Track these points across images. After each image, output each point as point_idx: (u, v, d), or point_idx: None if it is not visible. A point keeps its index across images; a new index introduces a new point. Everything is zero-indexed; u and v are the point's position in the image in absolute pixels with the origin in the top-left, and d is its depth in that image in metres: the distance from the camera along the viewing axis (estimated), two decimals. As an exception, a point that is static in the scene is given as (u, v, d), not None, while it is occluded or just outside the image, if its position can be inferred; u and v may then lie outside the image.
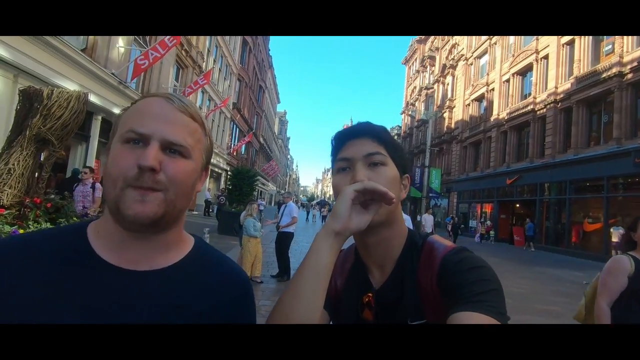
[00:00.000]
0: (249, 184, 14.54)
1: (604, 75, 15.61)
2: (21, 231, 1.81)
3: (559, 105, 18.85)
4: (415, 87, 43.78)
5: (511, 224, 23.14)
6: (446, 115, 33.10)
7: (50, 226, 2.05)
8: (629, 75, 14.74)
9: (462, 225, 24.84)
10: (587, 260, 14.60)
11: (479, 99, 27.85)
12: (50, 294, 0.55)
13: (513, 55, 23.42)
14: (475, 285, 0.66)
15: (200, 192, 9.40)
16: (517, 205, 23.15)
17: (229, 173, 19.09)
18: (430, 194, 28.66)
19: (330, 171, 0.85)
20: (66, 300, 0.55)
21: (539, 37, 19.98)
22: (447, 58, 34.48)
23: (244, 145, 29.98)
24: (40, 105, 2.06)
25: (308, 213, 34.12)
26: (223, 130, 25.52)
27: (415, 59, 44.74)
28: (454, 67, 32.63)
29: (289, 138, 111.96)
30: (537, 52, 20.99)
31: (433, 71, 38.20)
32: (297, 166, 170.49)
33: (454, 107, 31.98)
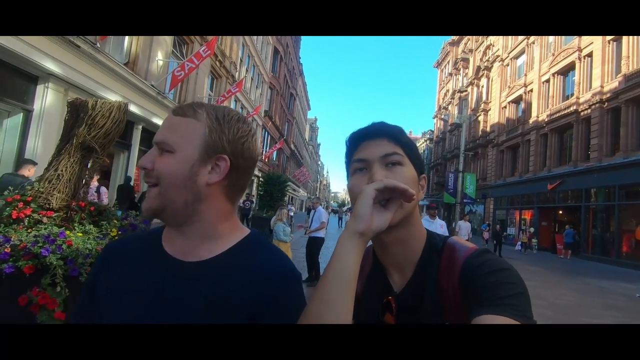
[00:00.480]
0: (279, 189, 14.80)
1: (657, 71, 14.52)
2: (67, 232, 1.95)
3: (605, 106, 17.65)
4: (447, 91, 42.70)
5: (553, 232, 21.76)
6: (481, 118, 31.95)
7: (94, 228, 2.20)
8: (686, 71, 13.62)
9: (505, 233, 22.78)
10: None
11: (516, 101, 26.69)
12: (135, 271, 0.73)
13: (553, 55, 22.24)
14: (500, 288, 0.63)
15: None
16: (560, 212, 21.81)
17: (260, 179, 19.48)
18: (465, 200, 27.64)
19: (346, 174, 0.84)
20: (144, 276, 0.71)
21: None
22: (481, 60, 33.40)
23: (275, 152, 30.44)
24: (86, 116, 2.22)
25: (341, 219, 33.45)
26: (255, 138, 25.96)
27: (448, 62, 43.70)
28: (488, 68, 31.52)
29: (319, 144, 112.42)
30: (579, 50, 19.78)
31: (466, 73, 37.10)
32: (327, 172, 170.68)
33: (489, 109, 30.86)
